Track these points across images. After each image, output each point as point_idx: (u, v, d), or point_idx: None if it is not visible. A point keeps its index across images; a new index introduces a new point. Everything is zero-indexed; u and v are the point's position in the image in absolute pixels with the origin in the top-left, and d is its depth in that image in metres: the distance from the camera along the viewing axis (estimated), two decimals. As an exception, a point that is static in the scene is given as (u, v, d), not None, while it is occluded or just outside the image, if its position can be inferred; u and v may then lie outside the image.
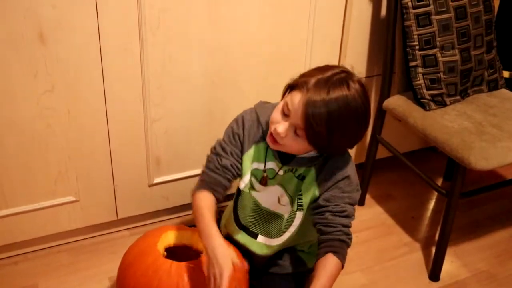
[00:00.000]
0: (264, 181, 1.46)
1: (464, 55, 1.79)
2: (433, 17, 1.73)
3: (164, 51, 1.62)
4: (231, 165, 1.43)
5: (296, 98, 1.27)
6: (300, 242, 1.58)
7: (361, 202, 2.10)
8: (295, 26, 1.78)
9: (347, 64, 1.94)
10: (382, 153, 2.10)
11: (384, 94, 1.89)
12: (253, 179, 1.47)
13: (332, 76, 1.26)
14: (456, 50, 1.77)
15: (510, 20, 2.17)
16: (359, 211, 2.05)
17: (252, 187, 1.48)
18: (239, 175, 1.47)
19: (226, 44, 1.68)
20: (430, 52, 1.75)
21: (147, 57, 1.60)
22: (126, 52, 1.57)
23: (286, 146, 1.33)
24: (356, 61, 1.97)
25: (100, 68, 1.56)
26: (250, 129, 1.44)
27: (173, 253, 1.51)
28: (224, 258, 1.22)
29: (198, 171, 1.84)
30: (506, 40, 2.08)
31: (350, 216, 1.38)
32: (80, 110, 1.59)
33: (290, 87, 1.32)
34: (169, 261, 1.40)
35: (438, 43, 1.75)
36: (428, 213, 2.10)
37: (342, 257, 1.33)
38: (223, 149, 1.44)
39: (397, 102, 1.84)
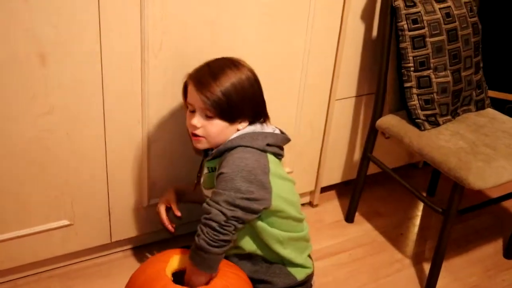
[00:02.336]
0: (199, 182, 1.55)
1: (455, 76, 1.82)
2: (428, 39, 1.75)
3: (166, 73, 1.59)
4: None
5: (190, 91, 1.43)
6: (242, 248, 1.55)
7: (351, 220, 2.11)
8: (291, 48, 1.78)
9: (340, 83, 1.95)
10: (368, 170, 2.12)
11: (377, 113, 1.91)
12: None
13: (206, 62, 1.45)
14: (448, 71, 1.81)
15: (492, 41, 2.23)
16: (350, 229, 2.07)
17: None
18: None
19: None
20: (425, 73, 1.77)
21: (148, 79, 1.57)
22: (127, 74, 1.54)
23: (208, 136, 1.43)
24: (348, 80, 1.98)
25: (100, 89, 1.52)
26: None
27: (179, 277, 1.47)
28: None
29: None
30: (489, 61, 2.14)
31: (221, 193, 1.36)
32: (79, 132, 1.54)
33: (184, 91, 1.48)
34: (179, 286, 1.37)
35: (432, 65, 1.77)
36: (416, 229, 2.13)
37: (197, 237, 1.36)
38: None
39: (391, 122, 1.85)
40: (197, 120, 1.43)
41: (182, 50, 1.58)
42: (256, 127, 1.48)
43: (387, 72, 1.85)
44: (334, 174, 2.18)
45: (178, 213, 1.63)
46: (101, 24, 1.44)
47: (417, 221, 2.17)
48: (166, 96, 1.62)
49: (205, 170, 1.53)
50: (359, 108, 2.07)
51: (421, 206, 2.26)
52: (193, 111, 1.44)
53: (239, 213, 1.36)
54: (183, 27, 1.56)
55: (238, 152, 1.41)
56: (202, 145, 1.46)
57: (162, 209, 1.64)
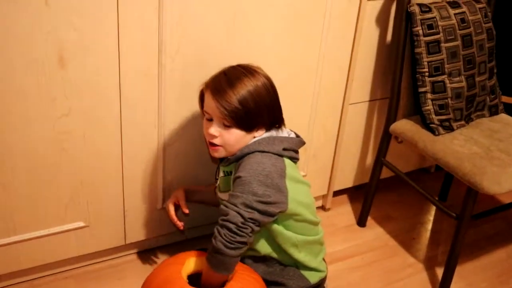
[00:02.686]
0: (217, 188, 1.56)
1: (469, 82, 1.82)
2: (442, 44, 1.76)
3: (183, 77, 1.60)
4: None
5: (208, 100, 1.43)
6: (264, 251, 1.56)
7: (363, 224, 2.11)
8: (306, 53, 1.79)
9: (354, 88, 1.96)
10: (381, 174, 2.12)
11: (391, 118, 1.91)
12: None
13: (222, 70, 1.46)
14: (463, 77, 1.81)
15: (506, 47, 2.23)
16: (362, 233, 2.07)
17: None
18: None
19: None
20: (439, 78, 1.78)
21: (165, 82, 1.58)
22: (145, 77, 1.55)
23: (226, 144, 1.43)
24: (362, 85, 1.99)
25: (118, 91, 1.53)
26: None
27: (195, 279, 1.48)
28: None
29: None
30: (503, 66, 2.14)
31: (238, 195, 1.37)
32: (96, 134, 1.55)
33: (201, 100, 1.49)
34: (194, 288, 1.38)
35: (446, 70, 1.78)
36: (428, 233, 2.13)
37: (214, 239, 1.37)
38: None
39: (405, 127, 1.86)
40: (214, 129, 1.43)
41: (199, 53, 1.59)
42: (272, 133, 1.48)
43: (402, 77, 1.86)
44: (346, 178, 2.18)
45: (186, 210, 1.63)
46: (119, 27, 1.45)
47: (429, 225, 2.17)
48: (183, 99, 1.63)
49: (221, 174, 1.54)
50: (373, 112, 2.08)
51: (433, 210, 2.26)
52: (210, 120, 1.44)
53: (256, 215, 1.37)
54: (201, 31, 1.57)
55: (255, 156, 1.42)
56: (219, 154, 1.46)
57: (171, 206, 1.65)
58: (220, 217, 1.38)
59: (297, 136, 1.54)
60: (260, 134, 1.47)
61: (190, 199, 1.69)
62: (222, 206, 1.40)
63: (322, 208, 2.19)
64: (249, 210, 1.36)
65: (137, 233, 1.78)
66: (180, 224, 1.63)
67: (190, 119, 1.68)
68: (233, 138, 1.43)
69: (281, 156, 1.46)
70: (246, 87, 1.40)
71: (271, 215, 1.40)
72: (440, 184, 2.32)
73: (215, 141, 1.44)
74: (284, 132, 1.51)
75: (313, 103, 1.89)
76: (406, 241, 2.06)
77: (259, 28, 1.66)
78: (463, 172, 1.65)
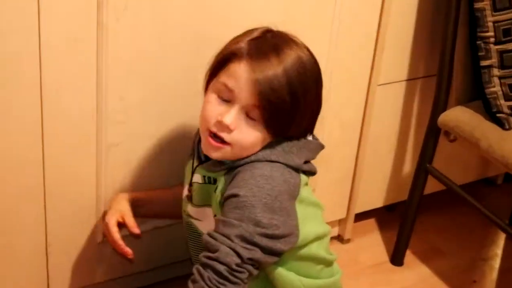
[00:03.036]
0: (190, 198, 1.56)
1: (555, 51, 1.84)
2: (515, -4, 1.77)
3: (132, 44, 1.59)
4: None
5: (237, 71, 1.38)
6: None
7: (399, 261, 2.12)
8: (316, 8, 1.79)
9: (385, 61, 1.96)
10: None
11: (440, 105, 1.92)
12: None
13: (265, 34, 1.44)
14: (545, 44, 1.82)
15: None
16: (398, 274, 2.07)
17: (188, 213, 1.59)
18: None
19: (218, 35, 1.66)
20: (511, 46, 1.78)
21: (107, 53, 1.57)
22: (76, 44, 1.53)
23: (237, 144, 1.41)
24: (397, 57, 2.00)
25: (37, 67, 1.51)
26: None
27: None
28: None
29: (168, 221, 1.83)
30: None
31: (234, 224, 1.36)
32: (7, 128, 1.54)
33: (215, 68, 1.45)
34: None
35: (521, 34, 1.79)
36: (495, 274, 2.14)
37: (191, 283, 1.36)
38: None
39: (460, 117, 1.86)
40: (232, 117, 1.40)
41: (158, 9, 1.58)
42: None
43: (455, 46, 1.85)
44: (373, 195, 2.19)
45: (137, 230, 1.61)
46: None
47: (496, 262, 2.18)
48: (133, 77, 1.62)
49: (198, 179, 1.53)
50: (413, 97, 2.08)
51: (501, 241, 2.28)
52: (226, 101, 1.41)
53: (258, 254, 1.36)
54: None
55: (262, 167, 1.41)
56: (222, 155, 1.43)
57: (114, 225, 1.62)
58: (203, 253, 1.37)
59: (313, 135, 1.54)
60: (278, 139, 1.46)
61: (137, 213, 1.67)
62: (207, 237, 1.38)
63: (339, 238, 2.19)
64: (249, 246, 1.35)
65: (66, 280, 1.77)
66: (128, 251, 1.61)
67: (146, 106, 1.67)
68: (251, 140, 1.41)
69: (298, 170, 1.46)
70: (292, 64, 1.39)
71: (277, 253, 1.39)
72: (511, 201, 2.33)
73: (225, 135, 1.41)
74: None
75: (326, 83, 1.88)
76: (464, 285, 2.07)
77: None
78: (546, 183, 1.66)
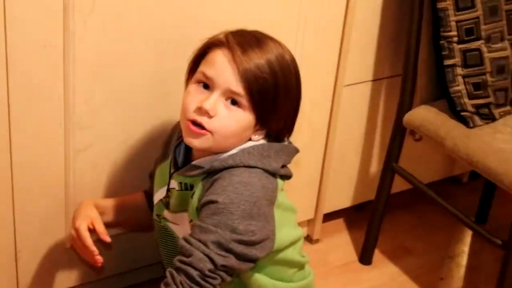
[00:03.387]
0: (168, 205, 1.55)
1: (517, 49, 1.87)
2: (477, -4, 1.80)
3: (99, 49, 1.59)
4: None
5: (216, 58, 1.40)
6: None
7: (368, 260, 2.13)
8: (282, 10, 1.80)
9: (350, 62, 1.97)
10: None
11: (405, 104, 1.94)
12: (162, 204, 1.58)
13: (242, 29, 1.45)
14: (507, 42, 1.85)
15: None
16: (367, 273, 2.08)
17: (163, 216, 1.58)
18: None
19: (184, 38, 1.67)
20: (473, 45, 1.81)
21: (74, 58, 1.56)
22: (43, 49, 1.53)
23: (219, 132, 1.40)
24: (362, 57, 2.01)
25: (4, 71, 1.50)
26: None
27: None
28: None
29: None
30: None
31: (211, 230, 1.36)
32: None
33: (195, 62, 1.46)
34: None
35: (483, 33, 1.81)
36: (462, 271, 2.16)
37: (164, 286, 1.36)
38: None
39: (425, 117, 1.88)
40: (211, 102, 1.38)
41: (125, 12, 1.58)
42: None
43: (419, 46, 1.87)
44: (342, 195, 2.20)
45: (108, 238, 1.57)
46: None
47: (463, 259, 2.21)
48: (100, 81, 1.62)
49: (175, 185, 1.52)
50: (378, 97, 2.10)
51: (468, 238, 2.30)
52: (206, 87, 1.41)
53: (232, 261, 1.36)
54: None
55: (240, 173, 1.39)
56: (201, 143, 1.41)
57: (85, 229, 1.56)
58: (177, 257, 1.37)
59: (288, 140, 1.54)
60: (259, 139, 1.46)
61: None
62: (182, 241, 1.38)
63: (308, 239, 2.19)
64: (224, 253, 1.35)
65: (36, 286, 1.77)
66: (99, 258, 1.57)
67: (115, 110, 1.67)
68: (235, 126, 1.40)
69: (275, 174, 1.45)
70: (274, 55, 1.40)
71: (252, 260, 1.39)
72: (477, 199, 2.36)
73: (205, 121, 1.39)
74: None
75: (292, 84, 1.90)
76: (432, 283, 2.08)
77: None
78: (510, 180, 1.68)
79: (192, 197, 1.46)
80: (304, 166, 2.04)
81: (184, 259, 1.35)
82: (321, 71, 1.95)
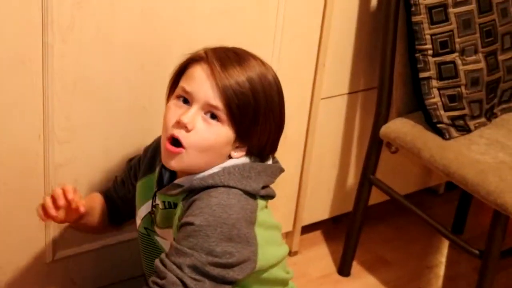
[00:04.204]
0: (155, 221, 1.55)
1: (490, 61, 1.89)
2: (450, 10, 1.82)
3: (78, 63, 1.60)
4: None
5: (195, 72, 1.40)
6: None
7: (346, 272, 2.14)
8: (259, 23, 1.82)
9: (327, 75, 1.99)
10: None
11: (381, 117, 1.96)
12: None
13: (226, 46, 1.46)
14: (480, 55, 1.88)
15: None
16: (344, 285, 2.10)
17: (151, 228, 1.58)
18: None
19: (163, 53, 1.69)
20: (448, 58, 1.84)
21: (52, 73, 1.57)
22: (22, 66, 1.53)
23: (193, 147, 1.39)
24: (338, 70, 2.03)
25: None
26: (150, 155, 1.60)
27: None
28: None
29: (118, 238, 1.83)
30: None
31: (187, 253, 1.36)
32: None
33: (175, 79, 1.47)
34: None
35: (457, 46, 1.84)
36: (440, 281, 2.18)
37: None
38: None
39: (401, 129, 1.91)
40: (193, 117, 1.39)
41: (105, 29, 1.59)
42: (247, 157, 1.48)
43: (394, 59, 1.90)
44: (320, 207, 2.22)
45: (82, 208, 1.47)
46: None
47: (441, 270, 2.23)
48: (80, 97, 1.63)
49: (159, 203, 1.52)
50: (355, 109, 2.12)
51: (445, 249, 2.33)
52: (185, 102, 1.41)
53: (206, 285, 1.35)
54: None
55: (219, 195, 1.39)
56: (178, 163, 1.42)
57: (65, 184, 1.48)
58: (152, 278, 1.37)
59: (273, 158, 1.54)
60: (239, 156, 1.46)
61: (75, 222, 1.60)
62: (158, 262, 1.38)
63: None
64: (198, 277, 1.35)
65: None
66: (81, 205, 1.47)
67: (95, 124, 1.68)
68: (212, 140, 1.40)
69: (255, 196, 1.45)
70: (256, 72, 1.41)
71: (228, 282, 1.38)
72: (453, 209, 2.39)
73: (182, 136, 1.39)
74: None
75: (269, 98, 1.91)
76: (409, 294, 2.10)
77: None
78: (486, 190, 1.71)
79: (175, 215, 1.46)
80: (281, 179, 2.03)
81: (158, 281, 1.35)
82: (297, 84, 1.96)
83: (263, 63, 1.45)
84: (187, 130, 1.39)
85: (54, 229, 1.74)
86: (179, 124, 1.39)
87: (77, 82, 1.62)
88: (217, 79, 1.38)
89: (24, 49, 1.53)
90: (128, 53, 1.65)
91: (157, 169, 1.54)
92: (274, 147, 1.51)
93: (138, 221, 1.60)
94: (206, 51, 1.43)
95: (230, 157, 1.45)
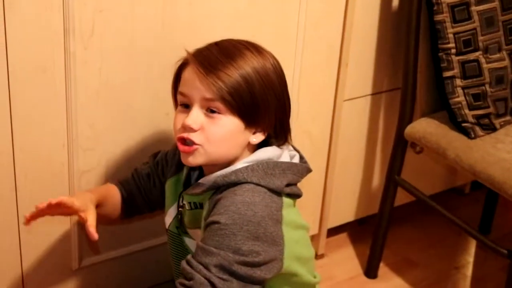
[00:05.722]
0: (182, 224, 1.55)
1: (514, 59, 1.89)
2: (473, 8, 1.81)
3: (101, 71, 1.60)
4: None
5: (187, 75, 1.43)
6: None
7: (373, 274, 2.14)
8: (280, 25, 1.82)
9: (350, 77, 1.99)
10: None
11: (406, 117, 1.95)
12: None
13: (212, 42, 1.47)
14: (504, 53, 1.87)
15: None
16: (372, 287, 2.09)
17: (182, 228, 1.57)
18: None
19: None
20: (471, 56, 1.83)
21: (75, 81, 1.58)
22: (45, 74, 1.54)
23: (208, 142, 1.40)
24: (361, 71, 2.03)
25: (7, 99, 1.52)
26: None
27: None
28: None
29: (144, 244, 1.84)
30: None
31: (213, 252, 1.35)
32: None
33: (174, 86, 1.49)
34: None
35: (481, 44, 1.83)
36: (467, 282, 2.17)
37: None
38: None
39: (426, 129, 1.90)
40: (195, 117, 1.40)
41: (124, 35, 1.60)
42: (274, 151, 1.47)
43: (417, 58, 1.89)
44: (345, 209, 2.21)
45: (95, 235, 1.43)
46: (5, 2, 1.44)
47: (469, 270, 2.21)
48: (103, 103, 1.64)
49: (186, 204, 1.52)
50: (378, 110, 2.12)
51: (472, 249, 2.31)
52: (186, 106, 1.43)
53: (233, 285, 1.35)
54: (124, 4, 1.58)
55: (243, 192, 1.38)
56: (196, 159, 1.42)
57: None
58: (179, 280, 1.36)
59: (302, 158, 1.54)
60: (259, 140, 1.46)
61: None
62: (184, 264, 1.38)
63: (313, 254, 2.20)
64: (226, 276, 1.34)
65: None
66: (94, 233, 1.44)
67: (118, 131, 1.68)
68: (221, 132, 1.40)
69: (280, 194, 1.44)
70: (251, 63, 1.40)
71: (257, 282, 1.37)
72: (480, 209, 2.37)
73: (193, 136, 1.40)
74: (285, 153, 1.50)
75: (292, 99, 1.90)
76: (437, 295, 2.10)
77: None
78: (514, 189, 1.70)
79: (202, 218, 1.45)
80: (306, 182, 2.03)
81: (185, 282, 1.35)
82: (320, 86, 1.96)
83: (258, 51, 1.44)
84: (194, 131, 1.40)
85: (80, 236, 1.74)
86: (186, 128, 1.40)
87: (100, 89, 1.63)
88: (203, 73, 1.38)
89: (46, 57, 1.54)
90: (149, 60, 1.66)
91: (185, 171, 1.54)
92: (286, 125, 1.50)
93: (168, 220, 1.59)
94: (189, 52, 1.44)
95: (249, 143, 1.45)
